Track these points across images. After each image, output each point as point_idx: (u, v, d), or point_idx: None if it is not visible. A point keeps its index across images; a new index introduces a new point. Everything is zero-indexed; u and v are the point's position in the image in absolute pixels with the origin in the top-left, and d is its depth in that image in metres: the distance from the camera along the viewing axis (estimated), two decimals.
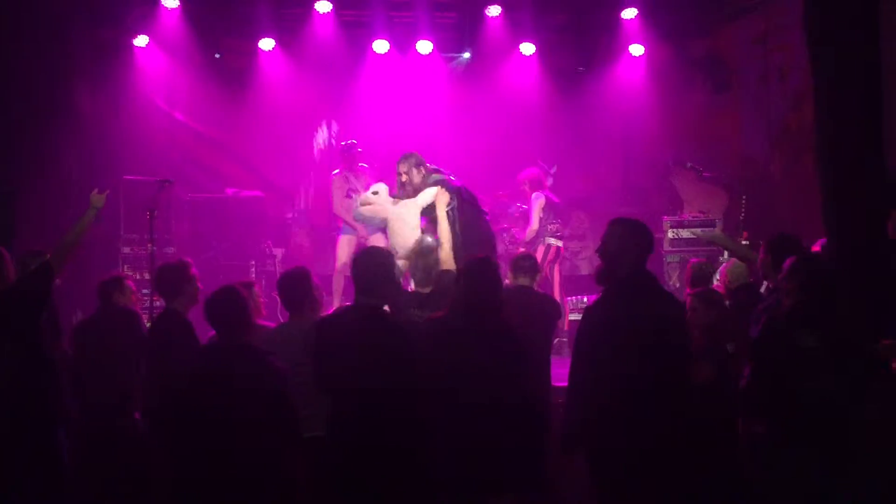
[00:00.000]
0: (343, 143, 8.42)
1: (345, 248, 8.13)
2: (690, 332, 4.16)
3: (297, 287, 4.56)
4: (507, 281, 5.15)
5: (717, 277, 6.39)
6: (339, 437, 3.83)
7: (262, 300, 5.31)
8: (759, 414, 4.01)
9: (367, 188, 8.30)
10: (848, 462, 3.80)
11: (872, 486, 3.80)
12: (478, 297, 3.94)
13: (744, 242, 7.85)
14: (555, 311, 5.43)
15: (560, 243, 8.37)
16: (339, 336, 3.86)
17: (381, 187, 6.11)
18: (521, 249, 7.77)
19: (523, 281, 5.21)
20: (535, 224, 8.24)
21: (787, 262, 4.12)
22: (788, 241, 4.88)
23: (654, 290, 3.81)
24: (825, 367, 3.81)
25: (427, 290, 4.80)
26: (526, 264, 5.31)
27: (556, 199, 8.44)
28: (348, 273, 7.12)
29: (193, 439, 3.74)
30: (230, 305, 3.86)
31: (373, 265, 3.94)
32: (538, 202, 8.26)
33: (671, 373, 3.63)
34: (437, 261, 5.01)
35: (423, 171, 6.05)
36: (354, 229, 8.20)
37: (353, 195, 8.25)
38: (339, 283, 7.93)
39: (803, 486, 3.82)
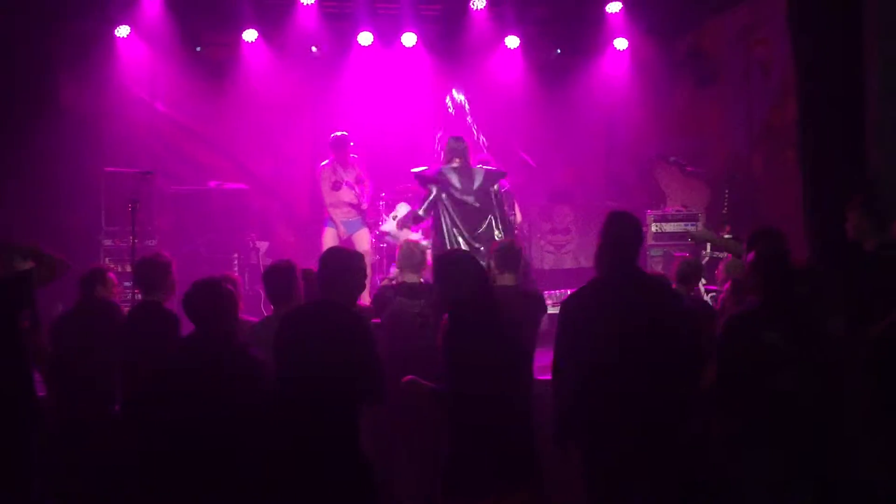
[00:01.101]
0: (334, 135, 8.37)
1: (330, 241, 8.15)
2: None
3: (282, 280, 4.54)
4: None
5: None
6: (287, 431, 3.79)
7: (242, 293, 5.29)
8: (725, 411, 3.98)
9: (356, 179, 8.32)
10: (815, 460, 3.79)
11: (840, 484, 3.82)
12: (461, 293, 3.87)
13: (726, 236, 7.90)
14: (540, 309, 5.38)
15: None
16: (295, 333, 3.84)
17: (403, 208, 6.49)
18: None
19: (507, 279, 5.10)
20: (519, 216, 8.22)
21: (749, 258, 4.07)
22: (765, 235, 4.87)
23: (641, 283, 3.81)
24: (789, 364, 3.78)
25: (415, 280, 5.17)
26: (509, 255, 5.16)
27: (505, 187, 8.16)
28: None
29: (168, 431, 3.73)
30: (206, 299, 3.87)
31: (334, 264, 3.92)
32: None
33: (670, 373, 3.64)
34: (423, 253, 5.31)
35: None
36: (358, 216, 8.31)
37: (343, 186, 8.25)
38: None
39: (770, 484, 3.80)
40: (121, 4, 8.81)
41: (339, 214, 8.34)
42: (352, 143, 8.43)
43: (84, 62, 9.09)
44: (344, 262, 3.95)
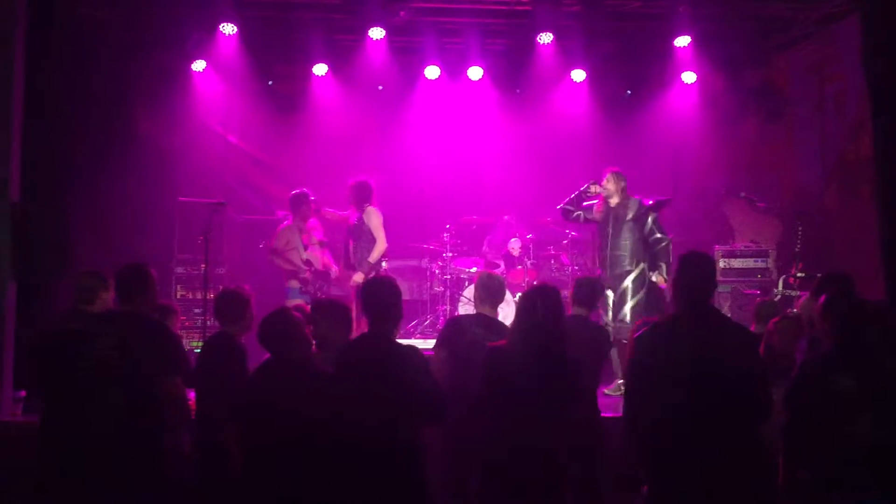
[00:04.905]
0: (294, 193, 7.91)
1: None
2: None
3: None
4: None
5: None
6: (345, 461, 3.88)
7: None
8: (801, 458, 3.90)
9: (319, 237, 7.91)
10: None
11: None
12: (531, 323, 3.99)
13: (799, 274, 7.72)
14: (606, 342, 5.43)
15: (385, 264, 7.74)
16: (351, 364, 3.96)
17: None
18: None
19: (579, 311, 5.30)
20: (383, 243, 7.57)
21: (820, 302, 4.02)
22: (834, 281, 4.73)
23: (714, 322, 3.79)
24: (864, 409, 3.69)
25: (492, 314, 5.02)
26: (584, 293, 5.35)
27: None
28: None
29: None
30: (278, 326, 4.10)
31: (381, 293, 4.04)
32: (378, 216, 7.63)
33: (739, 413, 3.62)
34: (500, 284, 5.15)
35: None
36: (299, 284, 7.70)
37: (305, 247, 7.77)
38: None
39: None
40: (198, 39, 9.08)
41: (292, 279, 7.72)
42: (312, 199, 7.89)
43: (161, 95, 9.39)
44: (386, 292, 4.04)
